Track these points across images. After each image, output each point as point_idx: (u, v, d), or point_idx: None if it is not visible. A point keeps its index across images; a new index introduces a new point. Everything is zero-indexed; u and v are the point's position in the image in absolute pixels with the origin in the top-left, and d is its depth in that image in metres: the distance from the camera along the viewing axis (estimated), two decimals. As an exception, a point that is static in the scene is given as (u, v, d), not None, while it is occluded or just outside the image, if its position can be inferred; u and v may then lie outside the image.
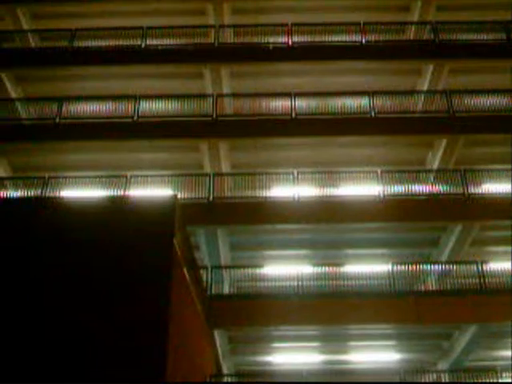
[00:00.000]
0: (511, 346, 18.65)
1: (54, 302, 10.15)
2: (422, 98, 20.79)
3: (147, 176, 18.92)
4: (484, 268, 18.13)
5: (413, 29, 22.52)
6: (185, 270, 12.29)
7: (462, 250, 19.41)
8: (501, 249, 20.15)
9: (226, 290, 18.70)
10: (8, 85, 21.22)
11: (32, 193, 18.47)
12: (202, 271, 16.29)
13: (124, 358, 9.58)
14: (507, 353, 21.42)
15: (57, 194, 18.21)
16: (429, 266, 19.20)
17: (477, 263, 18.22)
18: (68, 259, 10.59)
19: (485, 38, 21.53)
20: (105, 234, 10.92)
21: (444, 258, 19.71)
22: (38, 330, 9.86)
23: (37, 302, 10.16)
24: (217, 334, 17.98)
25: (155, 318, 10.04)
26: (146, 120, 19.71)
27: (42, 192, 18.19)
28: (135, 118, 19.64)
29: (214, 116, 19.67)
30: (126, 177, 18.62)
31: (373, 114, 19.74)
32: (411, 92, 21.17)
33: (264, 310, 16.84)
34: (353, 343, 20.90)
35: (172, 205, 11.65)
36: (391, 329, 19.59)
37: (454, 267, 18.80)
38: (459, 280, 18.51)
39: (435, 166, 20.24)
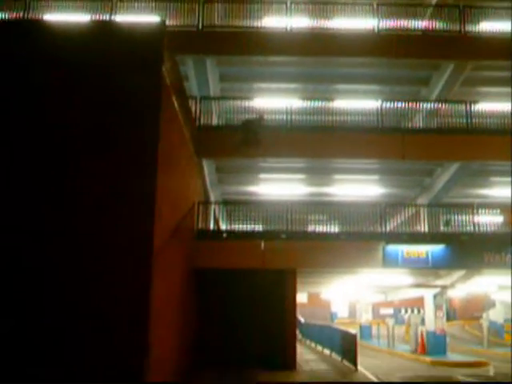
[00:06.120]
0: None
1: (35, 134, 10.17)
2: None
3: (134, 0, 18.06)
4: (473, 108, 18.16)
5: None
6: (174, 99, 12.20)
7: (452, 89, 19.32)
8: (492, 89, 20.12)
9: (215, 121, 18.74)
10: None
11: (14, 16, 17.68)
12: (190, 101, 16.17)
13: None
14: (485, 191, 22.26)
15: (40, 18, 17.44)
16: (418, 104, 19.13)
17: (466, 103, 18.21)
18: (52, 85, 10.41)
19: None
20: (91, 61, 10.63)
21: (434, 96, 19.67)
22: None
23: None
24: (205, 163, 18.31)
25: (144, 147, 10.14)
26: None
27: (24, 15, 17.43)
28: None
29: None
30: (112, 1, 17.78)
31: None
32: None
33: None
34: (338, 176, 21.44)
35: (160, 32, 11.27)
36: (376, 164, 20.03)
37: (443, 106, 18.81)
38: (447, 119, 18.62)
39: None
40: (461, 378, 16.53)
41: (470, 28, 18.38)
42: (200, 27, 17.67)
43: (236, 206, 18.52)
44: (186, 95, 14.58)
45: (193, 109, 16.68)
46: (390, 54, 17.85)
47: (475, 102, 18.45)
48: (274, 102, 18.90)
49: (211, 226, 18.70)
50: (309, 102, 18.22)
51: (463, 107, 18.11)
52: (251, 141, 14.64)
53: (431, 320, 22.19)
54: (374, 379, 14.97)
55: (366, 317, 33.84)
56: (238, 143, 15.15)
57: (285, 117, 17.76)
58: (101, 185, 9.90)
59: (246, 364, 15.75)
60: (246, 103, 18.28)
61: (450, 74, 18.67)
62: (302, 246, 16.31)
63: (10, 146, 9.95)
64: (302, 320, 32.32)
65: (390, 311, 44.03)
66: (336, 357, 19.80)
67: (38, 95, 10.31)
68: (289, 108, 17.80)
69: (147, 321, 9.38)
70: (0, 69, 10.36)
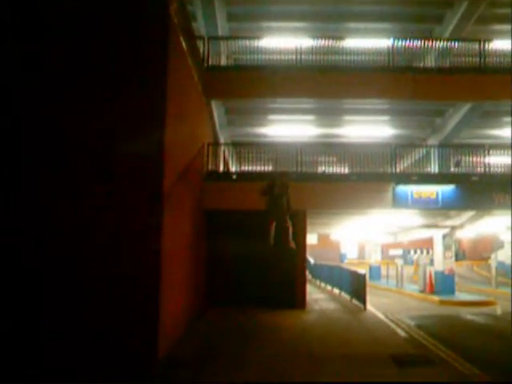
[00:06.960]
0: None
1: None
2: None
3: None
4: (486, 47, 17.80)
5: None
6: (181, 40, 12.01)
7: (466, 27, 18.89)
8: (507, 27, 19.59)
9: (224, 61, 18.49)
10: None
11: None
12: (198, 42, 15.91)
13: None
14: (496, 132, 22.06)
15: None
16: (430, 43, 18.75)
17: (479, 41, 17.84)
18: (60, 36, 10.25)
19: None
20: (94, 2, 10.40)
21: (447, 35, 19.25)
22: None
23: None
24: (214, 105, 18.19)
25: (152, 88, 10.02)
26: None
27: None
28: None
29: None
30: None
31: None
32: None
33: (261, 82, 16.81)
34: (348, 117, 21.30)
35: (167, -31, 10.96)
36: (387, 104, 19.84)
37: (455, 44, 18.45)
38: (459, 58, 18.29)
39: None
40: (469, 317, 16.79)
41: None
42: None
43: (245, 147, 18.47)
44: (194, 36, 14.34)
45: (201, 49, 16.44)
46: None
47: (489, 40, 18.08)
48: (284, 41, 18.57)
49: (221, 168, 18.73)
50: (319, 41, 17.90)
51: (476, 46, 17.78)
52: (278, 204, 13.79)
53: (440, 260, 22.37)
54: (383, 317, 15.23)
55: (375, 257, 34.19)
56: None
57: (294, 57, 17.52)
58: (109, 126, 9.84)
59: (256, 304, 16.03)
60: (255, 43, 18.01)
61: (463, 11, 18.20)
62: (312, 188, 16.30)
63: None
64: (312, 261, 32.72)
65: (399, 252, 44.43)
66: (345, 296, 20.10)
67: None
68: (298, 48, 17.54)
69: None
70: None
